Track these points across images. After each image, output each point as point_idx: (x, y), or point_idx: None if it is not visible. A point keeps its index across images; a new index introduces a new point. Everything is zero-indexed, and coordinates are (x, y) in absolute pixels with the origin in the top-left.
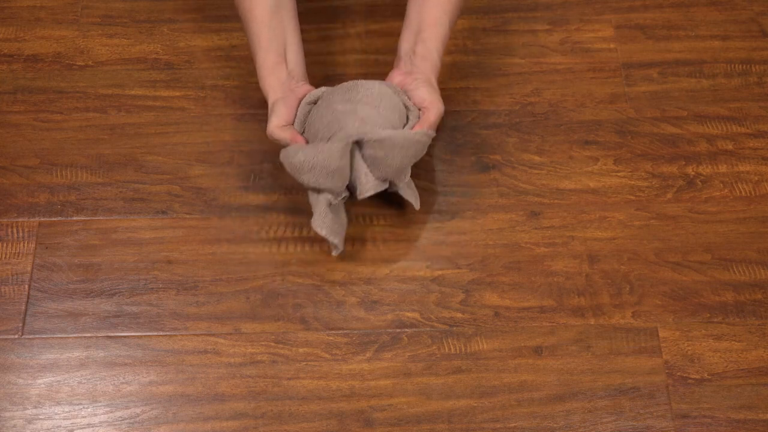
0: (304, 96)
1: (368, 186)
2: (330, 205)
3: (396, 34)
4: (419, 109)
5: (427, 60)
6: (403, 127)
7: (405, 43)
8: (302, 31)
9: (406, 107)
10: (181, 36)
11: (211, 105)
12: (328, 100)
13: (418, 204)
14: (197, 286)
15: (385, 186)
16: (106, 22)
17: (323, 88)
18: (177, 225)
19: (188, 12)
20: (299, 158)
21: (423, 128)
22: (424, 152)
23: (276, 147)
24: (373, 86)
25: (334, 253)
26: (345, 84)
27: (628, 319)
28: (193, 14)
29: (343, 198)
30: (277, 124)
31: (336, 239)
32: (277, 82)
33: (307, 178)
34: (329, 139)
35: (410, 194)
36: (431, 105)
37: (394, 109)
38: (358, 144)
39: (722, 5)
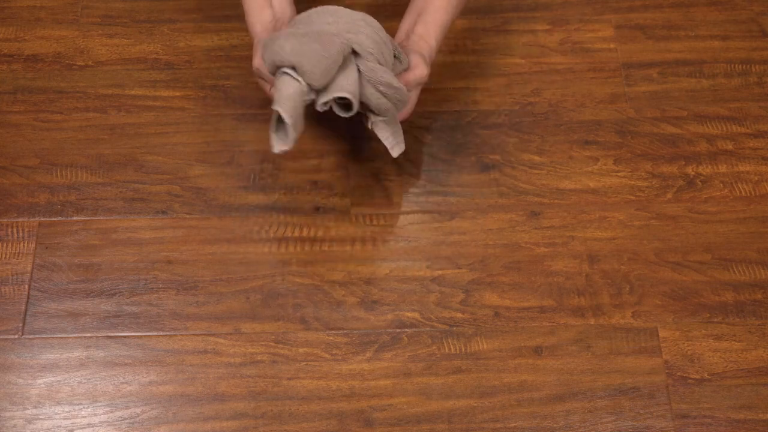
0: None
1: (344, 88)
2: (300, 95)
3: (395, 34)
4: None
5: (424, 40)
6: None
7: (404, 24)
8: None
9: (396, 56)
10: (181, 36)
11: (211, 105)
12: (331, 11)
13: (396, 151)
14: (197, 286)
15: (356, 104)
16: (106, 22)
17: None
18: (177, 225)
19: (188, 12)
20: (290, 44)
21: (402, 83)
22: (399, 109)
23: None
24: (377, 23)
25: (276, 150)
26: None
27: (628, 319)
28: (193, 14)
29: (309, 100)
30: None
31: (294, 132)
32: (261, 26)
33: (289, 47)
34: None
35: (387, 136)
36: (415, 66)
37: (389, 44)
38: (355, 54)
39: (722, 5)
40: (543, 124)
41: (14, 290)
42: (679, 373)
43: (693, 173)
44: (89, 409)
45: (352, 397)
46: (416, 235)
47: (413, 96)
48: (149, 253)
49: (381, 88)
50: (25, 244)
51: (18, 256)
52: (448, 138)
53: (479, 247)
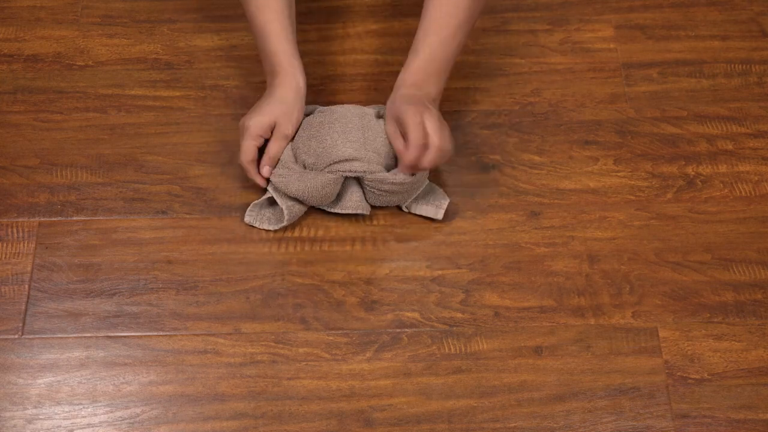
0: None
1: (349, 204)
2: (303, 209)
3: (396, 34)
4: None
5: (414, 74)
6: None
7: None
8: (302, 31)
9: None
10: (181, 36)
11: (211, 105)
12: (329, 121)
13: (440, 213)
14: (197, 286)
15: (364, 211)
16: (106, 22)
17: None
18: (177, 225)
19: (188, 12)
20: (292, 189)
21: (401, 170)
22: (424, 182)
23: None
24: (370, 115)
25: (257, 225)
26: (340, 108)
27: (628, 319)
28: (193, 14)
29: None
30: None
31: (285, 224)
32: (286, 56)
33: (293, 188)
34: (330, 164)
35: (425, 210)
36: (408, 145)
37: (385, 139)
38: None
39: (722, 5)
40: (543, 124)
41: (14, 290)
42: (679, 373)
43: (693, 173)
44: (89, 409)
45: (352, 397)
46: (416, 235)
47: (434, 140)
48: (149, 253)
49: (386, 187)
50: (25, 244)
51: (18, 256)
52: None
53: (479, 247)
